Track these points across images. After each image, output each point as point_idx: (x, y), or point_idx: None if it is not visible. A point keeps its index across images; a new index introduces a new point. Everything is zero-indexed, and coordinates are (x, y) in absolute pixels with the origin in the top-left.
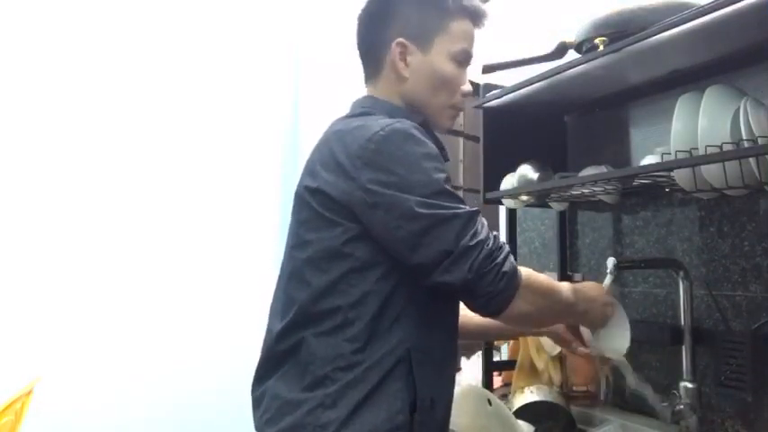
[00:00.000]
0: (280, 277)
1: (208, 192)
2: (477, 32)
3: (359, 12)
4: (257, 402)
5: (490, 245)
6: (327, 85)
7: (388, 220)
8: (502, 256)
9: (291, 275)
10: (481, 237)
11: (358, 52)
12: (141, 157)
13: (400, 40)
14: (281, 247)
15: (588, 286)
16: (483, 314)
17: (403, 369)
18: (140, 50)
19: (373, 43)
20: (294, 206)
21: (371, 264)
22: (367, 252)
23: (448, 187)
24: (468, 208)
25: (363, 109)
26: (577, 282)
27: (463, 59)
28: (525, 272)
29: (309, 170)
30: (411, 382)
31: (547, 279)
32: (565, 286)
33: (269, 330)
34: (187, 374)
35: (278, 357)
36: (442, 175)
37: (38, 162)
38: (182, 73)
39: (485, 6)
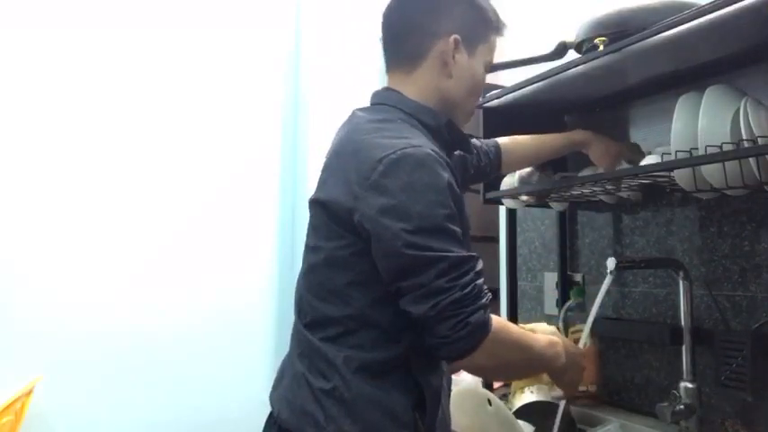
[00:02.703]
0: (302, 267)
1: (207, 191)
2: None
3: None
4: (280, 373)
5: (466, 291)
6: (327, 85)
7: (377, 249)
8: (473, 307)
9: (307, 276)
10: (460, 281)
11: (389, 33)
12: (140, 158)
13: (457, 36)
14: (280, 247)
15: (569, 344)
16: (437, 355)
17: (407, 371)
18: (134, 45)
19: (419, 30)
20: (310, 211)
21: (373, 277)
22: (368, 265)
23: (448, 225)
24: (459, 252)
25: (387, 107)
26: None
27: (488, 71)
28: (497, 325)
29: (322, 180)
30: (416, 383)
31: (519, 332)
32: (541, 341)
33: (296, 313)
34: (188, 374)
35: (302, 341)
36: (445, 211)
37: (34, 164)
38: (180, 72)
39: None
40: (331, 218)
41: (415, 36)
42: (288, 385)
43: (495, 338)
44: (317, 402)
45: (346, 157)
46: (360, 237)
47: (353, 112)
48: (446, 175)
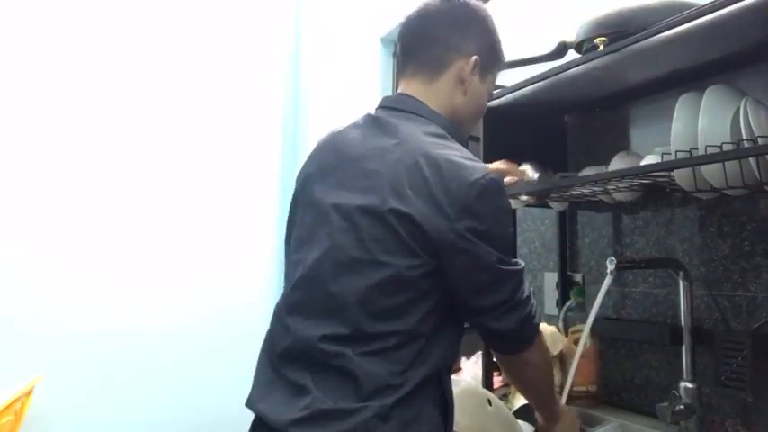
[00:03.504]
0: (320, 269)
1: (208, 191)
2: None
3: (440, 2)
4: (265, 383)
5: (532, 301)
6: (327, 85)
7: (469, 266)
8: (535, 309)
9: (367, 291)
10: (527, 293)
11: (414, 38)
12: (140, 158)
13: (477, 58)
14: (280, 248)
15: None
16: (503, 352)
17: (437, 384)
18: (135, 44)
19: (445, 42)
20: (361, 218)
21: (429, 294)
22: (429, 284)
23: (512, 241)
24: (521, 264)
25: (416, 116)
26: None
27: (488, 102)
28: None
29: (395, 190)
30: (444, 396)
31: None
32: None
33: (299, 321)
34: (188, 374)
35: (317, 355)
36: (512, 230)
37: (36, 164)
38: (181, 72)
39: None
40: (412, 234)
41: (439, 47)
42: (289, 403)
43: (542, 339)
44: (358, 427)
45: (424, 172)
46: (436, 257)
47: (385, 119)
48: None
